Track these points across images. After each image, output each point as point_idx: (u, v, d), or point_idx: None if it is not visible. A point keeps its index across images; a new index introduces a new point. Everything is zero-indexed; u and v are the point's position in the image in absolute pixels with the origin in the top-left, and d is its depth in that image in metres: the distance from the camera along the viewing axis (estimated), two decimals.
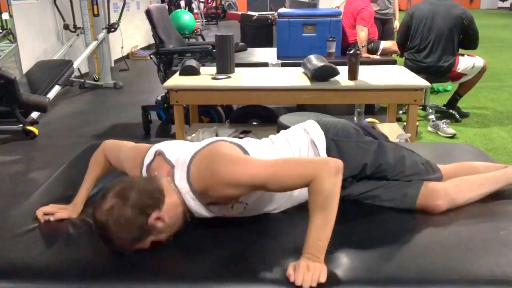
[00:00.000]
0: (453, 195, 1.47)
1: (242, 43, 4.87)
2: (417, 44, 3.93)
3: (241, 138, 1.52)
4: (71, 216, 1.48)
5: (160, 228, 1.25)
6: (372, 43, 4.37)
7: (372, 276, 1.17)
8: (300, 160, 1.29)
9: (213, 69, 3.24)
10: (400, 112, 4.08)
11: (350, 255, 1.25)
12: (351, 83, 2.91)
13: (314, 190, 1.20)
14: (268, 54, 4.48)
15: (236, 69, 3.23)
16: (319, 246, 1.17)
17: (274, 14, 5.94)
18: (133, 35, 8.16)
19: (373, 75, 3.04)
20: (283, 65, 3.44)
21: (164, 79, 3.78)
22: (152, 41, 4.76)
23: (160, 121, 4.09)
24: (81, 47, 5.98)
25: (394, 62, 4.01)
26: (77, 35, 5.94)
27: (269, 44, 5.75)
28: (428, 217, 1.44)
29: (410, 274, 1.18)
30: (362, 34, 4.18)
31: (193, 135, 3.13)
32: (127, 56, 7.83)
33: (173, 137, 3.26)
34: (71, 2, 5.84)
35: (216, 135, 3.08)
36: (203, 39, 8.85)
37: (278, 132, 1.64)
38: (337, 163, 1.23)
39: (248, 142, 1.47)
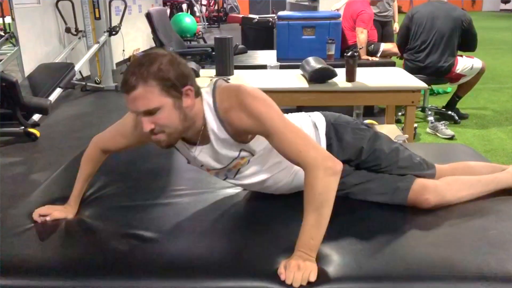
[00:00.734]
0: (443, 191, 1.49)
1: (242, 46, 4.90)
2: (417, 45, 3.94)
3: None
4: (67, 216, 1.50)
5: (184, 106, 1.26)
6: (372, 45, 4.39)
7: (362, 274, 1.18)
8: (311, 140, 1.29)
9: (212, 71, 3.27)
10: (399, 113, 4.10)
11: (340, 253, 1.26)
12: (348, 85, 2.93)
13: (308, 183, 1.21)
14: (268, 56, 4.51)
15: (236, 71, 3.26)
16: (311, 244, 1.19)
17: (274, 17, 5.98)
18: (135, 38, 8.21)
19: (371, 77, 3.06)
20: (282, 67, 3.46)
21: None
22: (153, 44, 4.79)
23: None
24: (83, 50, 6.02)
25: (393, 64, 4.03)
26: (79, 38, 5.98)
27: (270, 47, 5.78)
28: (418, 216, 1.45)
29: (399, 271, 1.19)
30: (361, 36, 4.21)
31: None
32: (128, 59, 7.87)
33: None
34: (73, 6, 5.89)
35: None
36: (205, 42, 8.90)
37: None
38: (337, 165, 1.24)
39: None
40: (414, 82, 3.00)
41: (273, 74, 3.27)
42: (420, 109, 4.30)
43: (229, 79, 3.07)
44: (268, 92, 1.37)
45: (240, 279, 1.20)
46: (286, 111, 1.47)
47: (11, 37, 5.21)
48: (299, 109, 4.08)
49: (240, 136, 1.35)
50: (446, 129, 3.79)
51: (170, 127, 1.27)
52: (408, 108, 2.95)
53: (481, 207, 1.49)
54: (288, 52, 4.28)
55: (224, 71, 3.16)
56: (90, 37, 5.88)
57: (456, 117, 4.14)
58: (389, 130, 3.19)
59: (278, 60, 4.14)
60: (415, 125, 3.64)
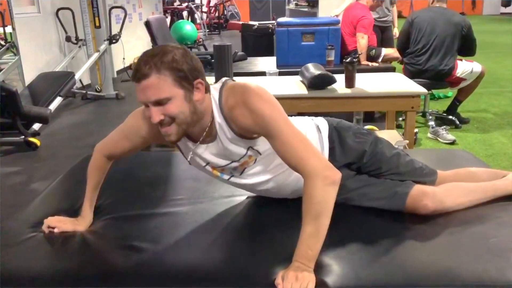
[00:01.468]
0: (441, 198, 1.48)
1: (242, 53, 4.90)
2: (418, 48, 3.94)
3: None
4: (77, 229, 1.47)
5: (194, 99, 1.26)
6: (374, 50, 4.39)
7: (360, 284, 1.17)
8: (313, 147, 1.28)
9: (212, 79, 3.26)
10: (400, 119, 4.09)
11: (338, 262, 1.25)
12: (348, 91, 2.93)
13: (306, 191, 1.21)
14: (267, 63, 4.51)
15: (235, 78, 3.22)
16: (309, 255, 1.18)
17: (274, 23, 5.98)
18: (135, 46, 8.22)
19: (370, 83, 3.05)
20: (282, 73, 3.46)
21: None
22: None
23: None
24: (83, 58, 6.04)
25: (392, 70, 4.03)
26: (79, 47, 6.01)
27: (270, 53, 5.78)
28: (417, 224, 1.44)
29: (398, 280, 1.18)
30: (362, 41, 4.21)
31: None
32: (129, 67, 7.89)
33: (173, 146, 3.28)
34: (73, 14, 5.92)
35: None
36: (205, 49, 8.91)
37: None
38: (336, 174, 1.24)
39: None
40: (413, 87, 2.99)
41: (272, 81, 3.27)
42: (421, 114, 4.29)
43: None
44: None
45: None
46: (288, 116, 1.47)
47: (12, 46, 5.24)
48: (300, 115, 4.09)
49: (245, 135, 1.35)
50: (447, 134, 3.78)
51: (180, 118, 1.26)
52: (408, 113, 2.94)
53: (481, 214, 1.48)
54: (288, 58, 4.28)
55: (223, 78, 3.15)
56: (90, 46, 5.90)
57: (457, 122, 4.12)
58: (390, 136, 3.17)
59: (278, 66, 4.14)
60: (416, 130, 3.63)
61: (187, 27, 8.84)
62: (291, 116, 1.45)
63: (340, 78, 2.96)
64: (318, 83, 2.93)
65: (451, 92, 4.92)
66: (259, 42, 6.26)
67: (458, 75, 3.90)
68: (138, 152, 1.61)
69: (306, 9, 6.66)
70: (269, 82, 3.23)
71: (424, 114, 4.26)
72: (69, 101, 5.69)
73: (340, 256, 1.28)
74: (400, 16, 6.49)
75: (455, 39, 3.85)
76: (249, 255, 1.32)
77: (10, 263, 1.32)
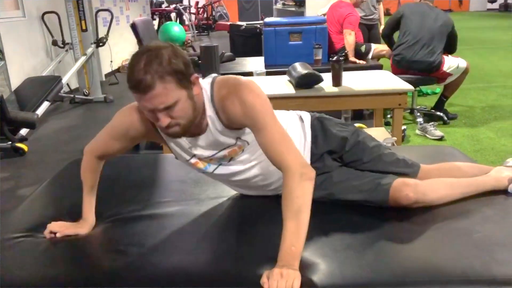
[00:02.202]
0: (423, 189, 1.50)
1: (230, 53, 4.89)
2: (407, 40, 3.96)
3: None
4: (80, 232, 1.47)
5: (194, 95, 1.28)
6: (364, 45, 4.40)
7: (346, 282, 1.17)
8: (294, 145, 1.33)
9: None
10: (388, 116, 4.10)
11: (324, 261, 1.25)
12: (335, 90, 2.93)
13: (286, 186, 1.25)
14: (256, 63, 4.50)
15: None
16: (292, 252, 1.18)
17: (262, 23, 5.98)
18: (123, 48, 8.19)
19: (357, 81, 3.06)
20: (270, 73, 3.45)
21: None
22: None
23: None
24: (71, 62, 6.00)
25: (380, 67, 4.04)
26: (66, 50, 5.96)
27: (259, 53, 5.77)
28: (403, 221, 1.44)
29: (384, 277, 1.18)
30: (350, 38, 4.22)
31: None
32: (118, 70, 7.85)
33: (162, 148, 3.27)
34: (59, 18, 5.86)
35: None
36: (194, 50, 8.88)
37: None
38: (312, 172, 1.28)
39: None
40: (400, 84, 3.00)
41: (260, 81, 3.26)
42: (409, 111, 4.32)
43: None
44: None
45: None
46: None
47: None
48: None
49: (233, 126, 1.38)
50: (435, 130, 3.80)
51: (185, 118, 1.29)
52: (395, 110, 2.95)
53: (465, 209, 1.49)
54: (276, 58, 4.28)
55: None
56: (77, 49, 5.86)
57: (445, 118, 4.15)
58: (378, 133, 3.18)
59: (266, 66, 4.14)
60: (404, 127, 3.64)
61: (175, 29, 8.81)
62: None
63: (328, 77, 2.97)
64: (305, 82, 2.94)
65: (438, 88, 4.95)
66: (247, 43, 6.26)
67: (445, 70, 3.94)
68: (124, 155, 1.60)
69: (293, 9, 6.67)
70: (256, 82, 3.22)
71: (412, 111, 4.28)
72: (57, 105, 5.65)
73: (325, 255, 1.28)
74: (388, 13, 6.51)
75: (443, 36, 3.91)
76: (235, 256, 1.32)
77: None
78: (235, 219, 1.56)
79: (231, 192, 1.71)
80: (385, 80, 3.14)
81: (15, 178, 3.49)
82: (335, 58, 2.93)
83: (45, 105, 4.47)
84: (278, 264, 1.17)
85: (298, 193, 1.23)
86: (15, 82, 5.05)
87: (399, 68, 3.98)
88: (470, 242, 1.30)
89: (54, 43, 5.89)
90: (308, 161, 1.56)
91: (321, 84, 2.96)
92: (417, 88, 4.22)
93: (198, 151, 1.46)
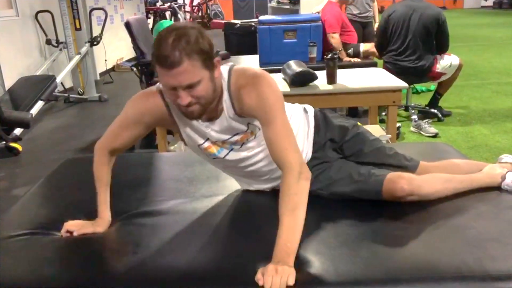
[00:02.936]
0: (418, 182, 1.51)
1: (225, 52, 4.88)
2: (396, 47, 3.97)
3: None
4: (97, 230, 1.46)
5: (215, 77, 1.31)
6: (352, 48, 4.39)
7: (340, 279, 1.17)
8: (296, 144, 1.37)
9: None
10: (383, 113, 4.11)
11: (318, 258, 1.25)
12: (329, 87, 2.94)
13: (284, 182, 1.28)
14: (251, 61, 4.49)
15: None
16: (288, 249, 1.19)
17: (257, 21, 5.97)
18: (118, 47, 8.16)
19: (352, 79, 3.06)
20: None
21: None
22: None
23: None
24: (65, 61, 5.98)
25: (374, 65, 4.05)
26: (60, 49, 5.93)
27: (254, 52, 5.74)
28: (397, 218, 1.45)
29: (378, 275, 1.19)
30: (333, 41, 4.19)
31: (176, 145, 3.13)
32: (112, 69, 7.83)
33: (157, 147, 3.27)
34: (53, 17, 5.84)
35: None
36: None
37: None
38: (308, 172, 1.33)
39: None
40: (394, 82, 3.00)
41: None
42: (404, 108, 4.33)
43: None
44: None
45: None
46: None
47: None
48: None
49: (244, 115, 1.42)
50: (429, 127, 3.81)
51: (206, 99, 1.31)
52: (389, 107, 2.96)
53: (459, 205, 1.50)
54: (271, 56, 4.26)
55: None
56: (71, 48, 5.84)
57: (440, 115, 4.16)
58: (373, 131, 3.15)
59: (261, 64, 4.13)
60: (399, 124, 3.65)
61: None
62: None
63: (323, 75, 2.97)
64: (300, 80, 2.94)
65: (433, 86, 4.96)
66: (242, 41, 6.24)
67: (438, 70, 3.94)
68: (119, 154, 1.59)
69: (287, 7, 6.67)
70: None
71: (406, 108, 4.29)
72: (51, 104, 5.63)
73: (320, 252, 1.28)
74: (382, 11, 6.49)
75: (430, 33, 3.86)
76: (231, 253, 1.32)
77: None
78: (230, 217, 1.56)
79: (226, 190, 1.71)
80: (379, 78, 3.15)
81: (10, 178, 3.47)
82: (329, 56, 2.94)
83: (39, 104, 4.45)
84: (273, 260, 1.17)
85: (295, 190, 1.26)
86: (9, 82, 5.03)
87: (391, 72, 3.98)
88: (464, 239, 1.31)
89: (48, 42, 5.86)
90: (311, 149, 1.63)
91: (315, 82, 2.96)
92: (411, 86, 4.22)
93: (213, 135, 1.48)
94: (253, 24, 6.20)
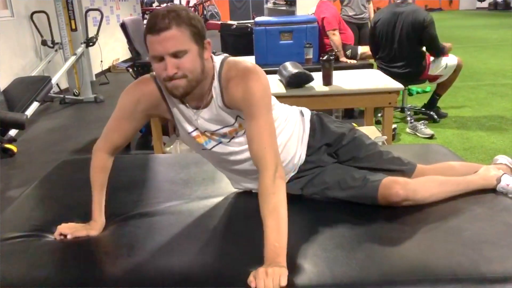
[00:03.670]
0: (413, 187, 1.51)
1: (221, 53, 4.88)
2: (385, 55, 4.00)
3: None
4: (91, 233, 1.46)
5: (204, 57, 1.32)
6: (350, 49, 4.40)
7: (336, 282, 1.17)
8: (277, 145, 1.37)
9: None
10: (379, 115, 4.11)
11: (313, 261, 1.25)
12: (325, 89, 2.94)
13: (262, 182, 1.29)
14: None
15: None
16: (276, 249, 1.18)
17: (253, 22, 5.97)
18: (114, 48, 8.15)
19: (348, 80, 3.07)
20: None
21: None
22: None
23: (140, 133, 4.08)
24: (60, 62, 5.95)
25: (370, 66, 4.05)
26: (56, 50, 5.91)
27: (250, 53, 5.74)
28: (392, 220, 1.45)
29: (373, 277, 1.18)
30: (335, 38, 4.21)
31: (171, 146, 3.13)
32: (108, 69, 7.81)
33: (152, 149, 3.25)
34: (48, 18, 5.81)
35: None
36: None
37: None
38: (283, 172, 1.34)
39: None
40: (390, 83, 3.01)
41: None
42: (400, 109, 4.33)
43: None
44: None
45: None
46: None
47: None
48: None
49: (231, 107, 1.42)
50: (425, 129, 3.82)
51: (192, 73, 1.31)
52: (385, 109, 2.96)
53: (455, 208, 1.49)
54: (267, 57, 4.27)
55: None
56: (67, 49, 5.81)
57: (436, 116, 4.16)
58: (369, 132, 3.18)
59: None
60: (395, 125, 3.66)
61: None
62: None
63: (319, 76, 2.97)
64: (296, 81, 2.94)
65: (429, 87, 4.97)
66: (238, 42, 6.23)
67: (431, 73, 3.94)
68: (115, 156, 1.59)
69: (284, 8, 6.67)
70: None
71: (402, 110, 4.30)
72: (47, 105, 5.61)
73: (315, 254, 1.28)
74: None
75: (414, 43, 3.84)
76: (226, 255, 1.32)
77: None
78: (225, 219, 1.56)
79: (221, 192, 1.71)
80: (375, 79, 3.15)
81: (5, 180, 3.45)
82: (325, 57, 2.94)
83: (35, 105, 4.43)
84: (265, 263, 1.17)
85: (273, 190, 1.27)
86: (4, 82, 5.00)
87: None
88: (459, 241, 1.31)
89: (44, 43, 5.84)
90: (304, 152, 1.62)
91: (311, 83, 2.96)
92: (406, 88, 4.23)
93: (201, 124, 1.47)
94: (250, 25, 6.20)
